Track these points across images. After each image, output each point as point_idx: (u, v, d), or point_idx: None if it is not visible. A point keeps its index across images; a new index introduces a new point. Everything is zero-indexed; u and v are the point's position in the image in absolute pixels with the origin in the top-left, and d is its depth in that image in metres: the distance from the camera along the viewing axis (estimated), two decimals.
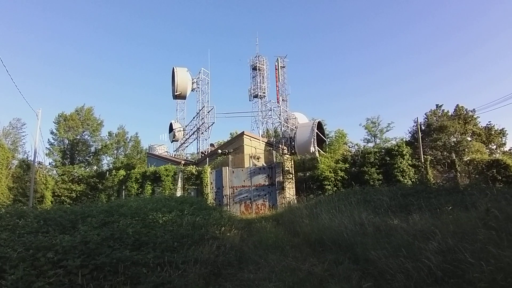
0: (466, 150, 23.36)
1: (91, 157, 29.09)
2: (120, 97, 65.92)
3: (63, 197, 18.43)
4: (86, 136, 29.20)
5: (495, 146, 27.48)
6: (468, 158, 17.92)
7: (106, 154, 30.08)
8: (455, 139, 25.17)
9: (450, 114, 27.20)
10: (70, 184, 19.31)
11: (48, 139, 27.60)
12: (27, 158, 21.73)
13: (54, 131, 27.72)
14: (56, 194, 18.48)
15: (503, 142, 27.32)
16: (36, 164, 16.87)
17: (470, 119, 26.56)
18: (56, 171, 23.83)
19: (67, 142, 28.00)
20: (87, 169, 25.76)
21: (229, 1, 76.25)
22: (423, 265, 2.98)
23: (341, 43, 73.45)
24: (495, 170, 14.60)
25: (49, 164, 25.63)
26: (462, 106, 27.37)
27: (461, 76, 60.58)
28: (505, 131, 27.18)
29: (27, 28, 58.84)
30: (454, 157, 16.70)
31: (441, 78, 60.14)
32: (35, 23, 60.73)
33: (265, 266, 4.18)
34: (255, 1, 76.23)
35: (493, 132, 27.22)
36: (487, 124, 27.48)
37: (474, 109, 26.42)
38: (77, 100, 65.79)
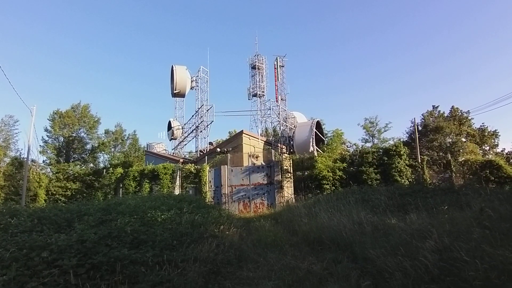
0: (461, 150, 23.77)
1: (87, 154, 28.67)
2: (118, 93, 65.14)
3: (57, 196, 18.11)
4: (82, 134, 28.75)
5: (488, 147, 28.04)
6: (463, 158, 18.22)
7: (103, 152, 29.70)
8: (450, 140, 25.59)
9: (446, 115, 27.63)
10: (65, 182, 18.98)
11: (42, 137, 27.14)
12: (20, 155, 21.32)
13: (49, 128, 27.22)
14: (50, 192, 18.15)
15: (496, 143, 27.91)
16: (29, 161, 16.53)
17: (464, 120, 27.03)
18: (50, 169, 23.42)
19: (62, 140, 27.52)
20: (83, 167, 25.38)
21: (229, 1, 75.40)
22: (420, 263, 3.02)
23: (339, 36, 73.36)
24: (488, 171, 14.85)
25: (43, 162, 25.21)
26: (457, 108, 27.85)
27: (460, 74, 61.32)
28: (498, 132, 27.77)
29: (26, 20, 57.39)
30: (449, 158, 16.97)
31: (440, 75, 60.81)
32: (34, 16, 59.21)
33: (264, 265, 4.19)
34: (255, 2, 75.60)
35: (486, 134, 27.75)
36: (480, 126, 28.03)
37: (468, 110, 26.98)
38: (73, 96, 64.83)
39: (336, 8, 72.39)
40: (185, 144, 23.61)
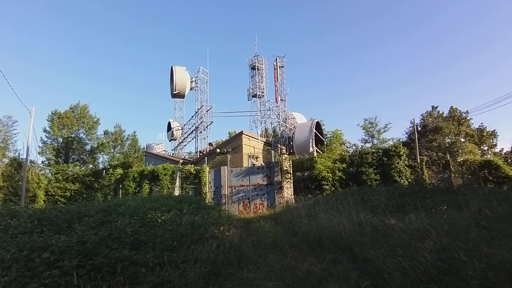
0: (460, 151, 23.87)
1: (87, 155, 28.59)
2: (117, 98, 65.09)
3: (56, 197, 18.06)
4: (82, 134, 28.68)
5: (486, 147, 28.16)
6: (462, 159, 18.30)
7: (103, 153, 29.62)
8: (449, 140, 25.69)
9: (445, 115, 27.77)
10: (64, 183, 18.94)
11: (41, 137, 27.02)
12: (19, 156, 21.25)
13: (48, 129, 27.15)
14: (49, 193, 18.09)
15: (494, 143, 28.04)
16: (28, 162, 16.49)
17: (463, 120, 27.17)
18: (50, 169, 23.35)
19: (61, 140, 27.44)
20: (82, 168, 25.32)
21: (228, 2, 75.86)
22: (419, 263, 3.05)
23: (340, 46, 74.09)
24: (486, 171, 14.91)
25: (42, 162, 25.13)
26: (456, 108, 27.99)
27: (458, 81, 61.85)
28: (496, 132, 27.92)
29: (24, 29, 57.52)
30: (448, 158, 17.04)
31: (438, 82, 61.34)
32: (32, 24, 59.33)
33: (264, 266, 4.21)
34: (254, 3, 76.03)
35: (485, 134, 27.87)
36: (479, 126, 28.16)
37: (467, 111, 27.11)
38: (72, 101, 64.29)
39: (343, 16, 72.74)
40: (185, 145, 23.65)
